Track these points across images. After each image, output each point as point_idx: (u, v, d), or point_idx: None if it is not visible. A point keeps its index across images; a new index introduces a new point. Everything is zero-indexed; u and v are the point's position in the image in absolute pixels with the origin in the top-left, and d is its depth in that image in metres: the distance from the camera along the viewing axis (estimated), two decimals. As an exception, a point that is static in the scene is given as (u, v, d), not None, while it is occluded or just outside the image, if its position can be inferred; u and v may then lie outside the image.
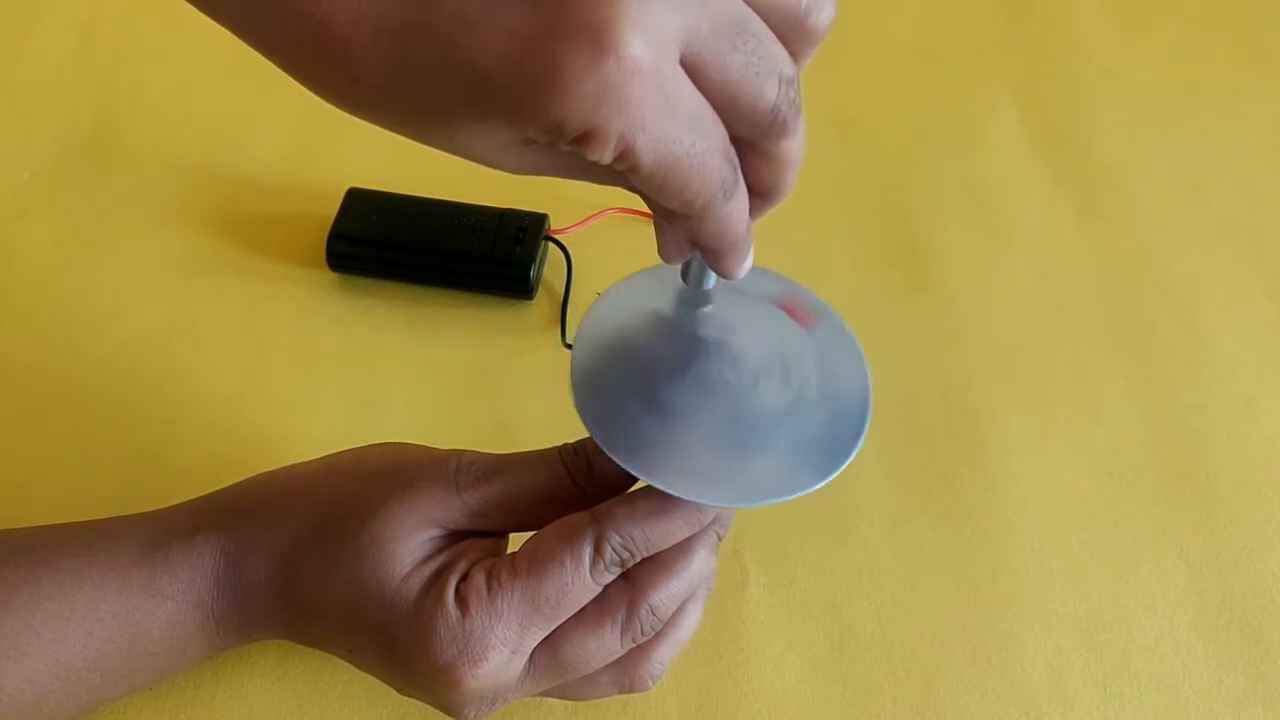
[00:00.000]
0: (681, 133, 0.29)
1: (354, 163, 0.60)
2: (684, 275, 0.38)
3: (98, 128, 0.62)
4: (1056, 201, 0.60)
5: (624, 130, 0.28)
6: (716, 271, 0.35)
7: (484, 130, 0.29)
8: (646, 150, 0.28)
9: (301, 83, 0.31)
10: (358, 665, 0.39)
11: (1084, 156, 0.62)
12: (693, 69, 0.29)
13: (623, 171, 0.29)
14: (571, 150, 0.29)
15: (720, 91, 0.29)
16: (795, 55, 0.31)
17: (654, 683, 0.39)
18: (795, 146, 0.32)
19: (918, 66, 0.67)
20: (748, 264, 0.35)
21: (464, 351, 0.54)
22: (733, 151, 0.31)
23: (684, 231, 0.33)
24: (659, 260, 0.36)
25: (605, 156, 0.28)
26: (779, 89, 0.30)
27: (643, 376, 0.37)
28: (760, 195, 0.33)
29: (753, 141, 0.31)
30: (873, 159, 0.62)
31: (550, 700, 0.43)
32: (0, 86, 0.64)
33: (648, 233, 0.53)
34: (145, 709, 0.43)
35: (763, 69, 0.29)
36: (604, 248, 0.56)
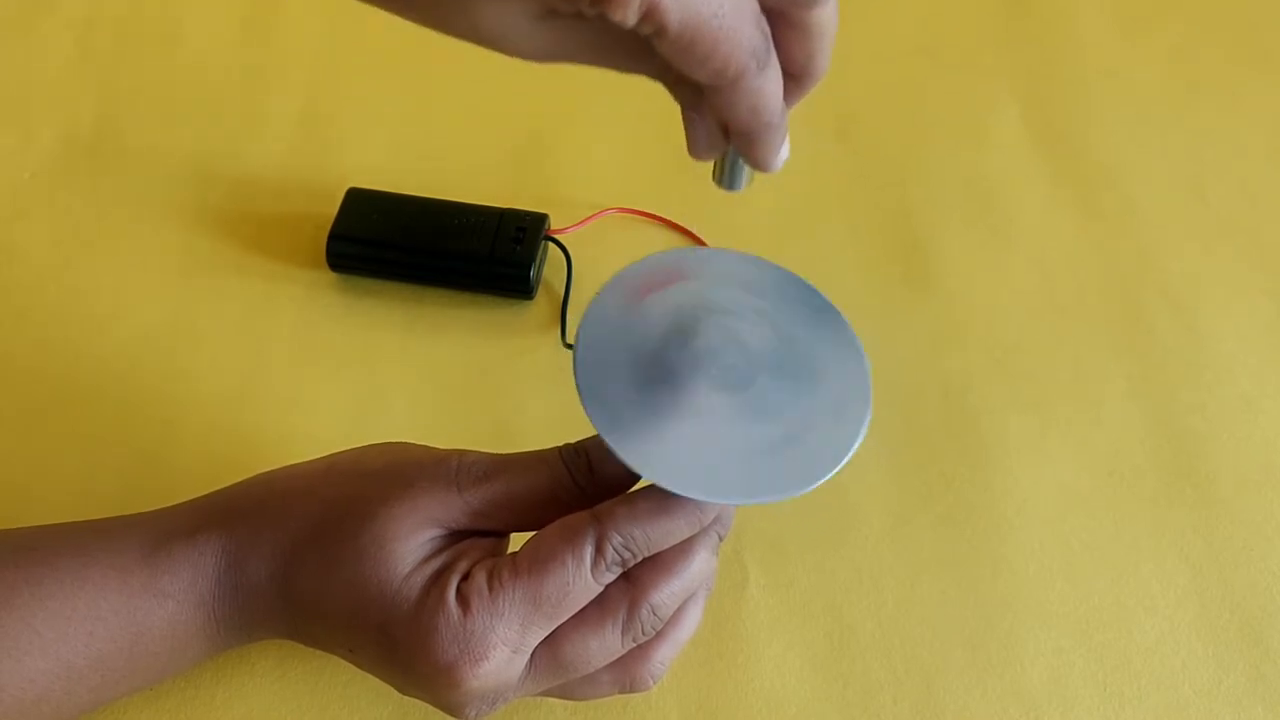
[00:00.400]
0: None
1: (354, 163, 0.60)
2: (716, 176, 0.36)
3: (98, 128, 0.62)
4: (1056, 201, 0.60)
5: None
6: (751, 163, 0.33)
7: (504, 3, 0.28)
8: (673, 8, 0.27)
9: None
10: (358, 665, 0.39)
11: (1084, 156, 0.62)
12: None
13: (649, 38, 0.28)
14: (596, 15, 0.28)
15: None
16: None
17: (654, 682, 0.39)
18: (828, 16, 0.31)
19: (918, 65, 0.67)
20: (784, 153, 0.33)
21: (464, 351, 0.54)
22: (764, 20, 0.30)
23: (715, 114, 0.32)
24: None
25: (630, 17, 0.27)
26: None
27: (645, 372, 0.37)
28: (793, 76, 0.32)
29: (783, 11, 0.30)
30: (873, 157, 0.62)
31: (551, 700, 0.43)
32: (0, 86, 0.64)
33: (648, 233, 0.53)
34: (145, 709, 0.43)
35: None
36: (604, 248, 0.56)
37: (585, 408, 0.35)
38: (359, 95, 0.62)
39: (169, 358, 0.53)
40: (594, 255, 0.56)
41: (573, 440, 0.39)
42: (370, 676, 0.39)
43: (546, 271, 0.56)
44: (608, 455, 0.35)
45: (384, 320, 0.55)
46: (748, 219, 0.58)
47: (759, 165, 0.34)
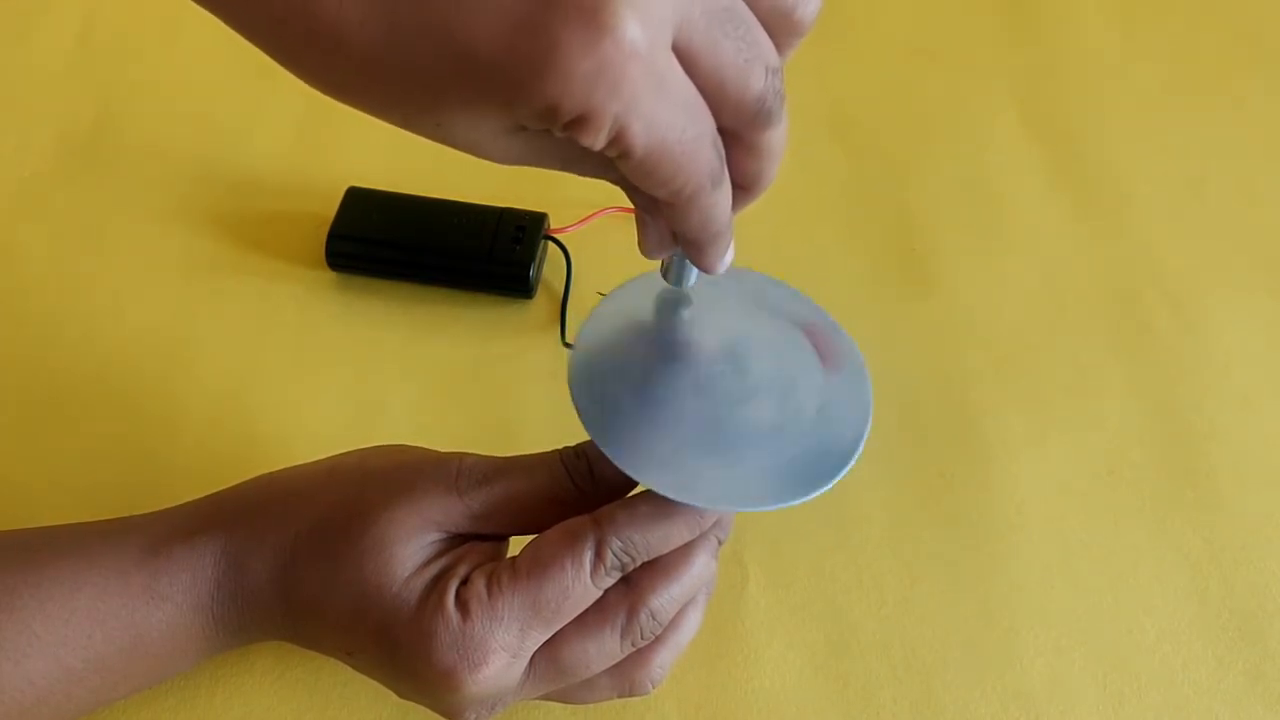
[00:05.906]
0: (675, 117, 0.28)
1: (354, 162, 0.60)
2: (664, 273, 0.38)
3: (98, 128, 0.62)
4: (1056, 201, 0.60)
5: (619, 113, 0.27)
6: (698, 266, 0.35)
7: (474, 115, 0.29)
8: (640, 134, 0.28)
9: (287, 67, 0.30)
10: (357, 668, 0.39)
11: (1084, 156, 0.62)
12: (684, 54, 0.28)
13: (614, 159, 0.29)
14: (565, 136, 0.28)
15: (709, 78, 0.29)
16: (780, 47, 0.31)
17: (654, 687, 0.39)
18: (778, 138, 0.32)
19: (918, 66, 0.67)
20: (729, 258, 0.35)
21: (464, 351, 0.54)
22: (720, 141, 0.31)
23: (667, 224, 0.33)
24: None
25: (599, 141, 0.28)
26: (766, 78, 0.30)
27: (643, 380, 0.37)
28: (742, 188, 0.33)
29: (736, 132, 0.31)
30: (872, 159, 0.62)
31: (550, 702, 0.43)
32: (0, 86, 0.64)
33: (648, 233, 0.52)
34: (145, 709, 0.43)
35: (751, 56, 0.29)
36: (604, 247, 0.56)
37: (580, 415, 0.35)
38: (359, 95, 0.62)
39: (169, 358, 0.53)
40: (593, 254, 0.56)
41: (573, 440, 0.39)
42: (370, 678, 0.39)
43: (546, 271, 0.56)
44: (607, 459, 0.35)
45: (384, 319, 0.55)
46: (746, 221, 0.57)
47: (704, 269, 0.35)
